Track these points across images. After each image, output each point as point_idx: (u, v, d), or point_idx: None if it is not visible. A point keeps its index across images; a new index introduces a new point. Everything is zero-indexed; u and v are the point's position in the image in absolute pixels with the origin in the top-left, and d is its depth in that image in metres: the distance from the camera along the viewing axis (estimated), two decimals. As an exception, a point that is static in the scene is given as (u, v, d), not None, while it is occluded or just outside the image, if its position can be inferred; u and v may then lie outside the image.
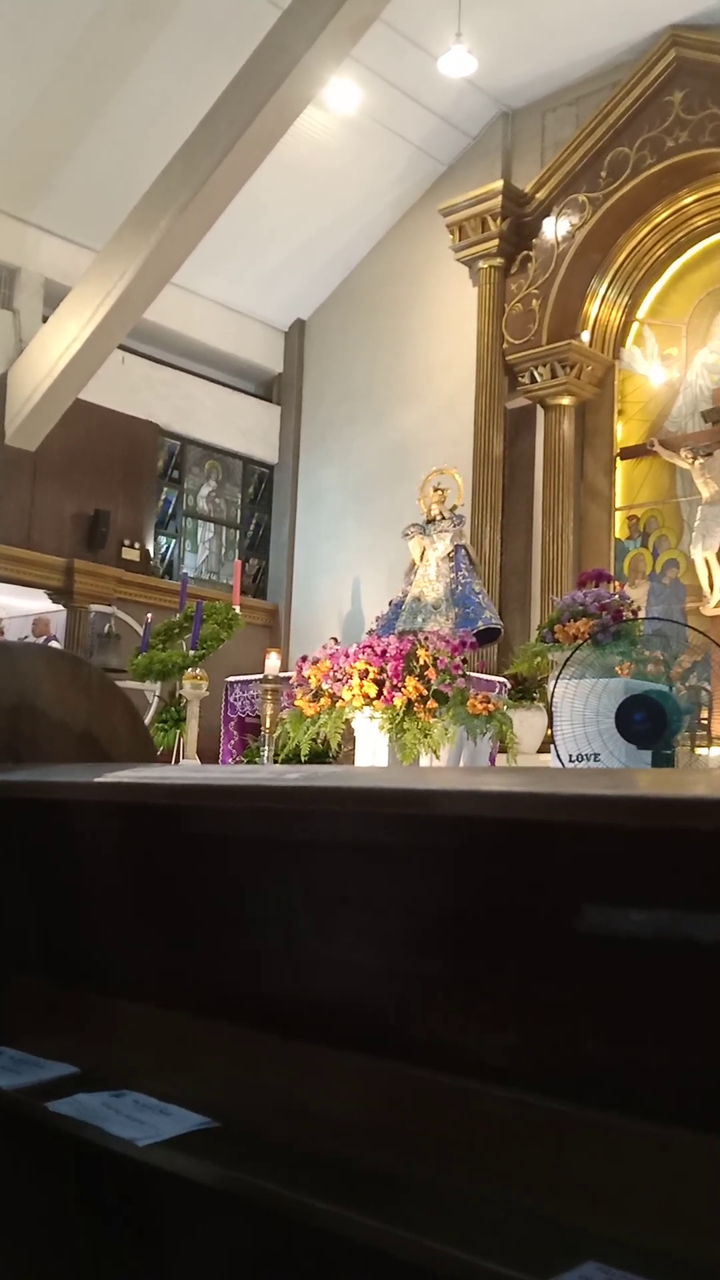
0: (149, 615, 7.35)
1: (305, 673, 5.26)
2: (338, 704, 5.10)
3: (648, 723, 3.52)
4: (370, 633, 7.99)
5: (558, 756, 4.44)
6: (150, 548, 10.53)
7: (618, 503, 9.16)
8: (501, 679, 7.36)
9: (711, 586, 8.27)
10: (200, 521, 11.29)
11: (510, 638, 8.42)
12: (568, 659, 4.11)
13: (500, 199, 9.30)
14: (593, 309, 9.20)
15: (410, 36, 8.82)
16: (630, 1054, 1.04)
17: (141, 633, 6.81)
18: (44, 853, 1.68)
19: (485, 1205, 1.07)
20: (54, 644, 9.47)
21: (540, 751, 7.78)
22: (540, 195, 9.29)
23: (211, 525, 11.38)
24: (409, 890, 1.20)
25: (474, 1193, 1.08)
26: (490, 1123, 1.11)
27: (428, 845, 1.16)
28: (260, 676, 5.73)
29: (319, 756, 5.48)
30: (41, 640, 9.58)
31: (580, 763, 3.96)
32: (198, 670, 6.07)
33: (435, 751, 5.03)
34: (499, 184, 9.36)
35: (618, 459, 9.17)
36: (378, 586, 9.94)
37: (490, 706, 5.17)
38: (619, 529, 9.12)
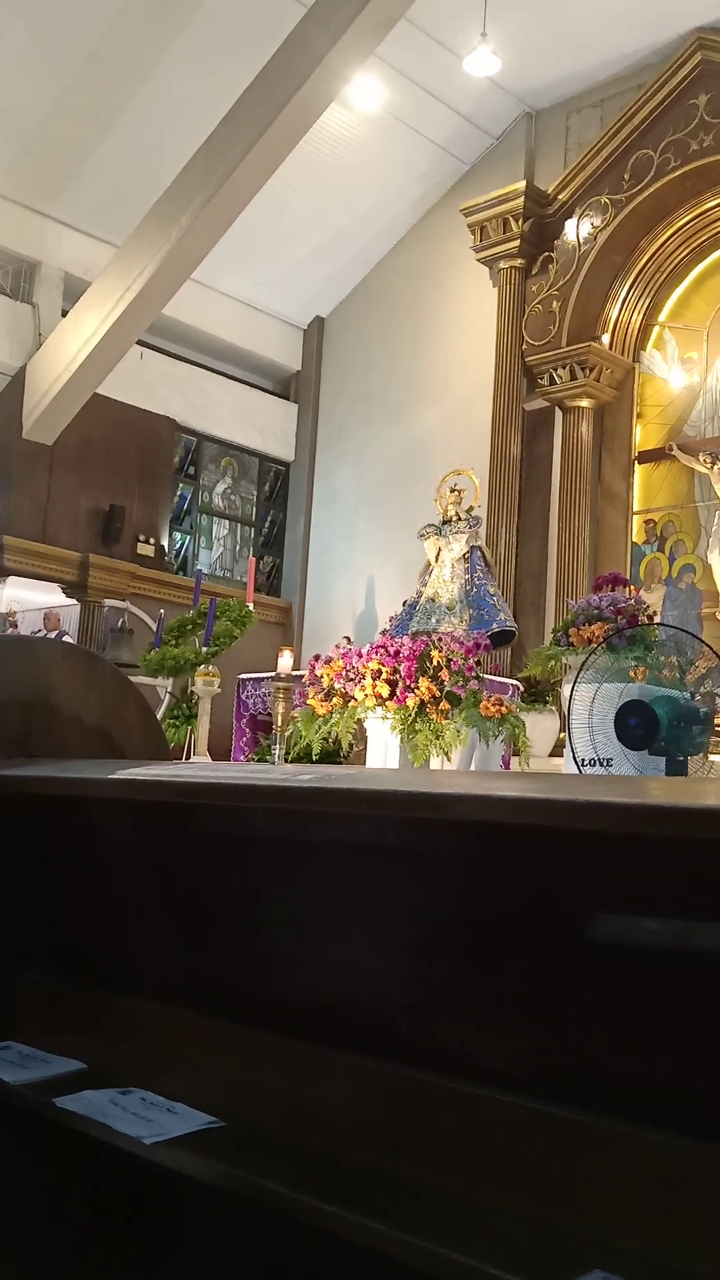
0: (162, 611, 7.37)
1: (318, 671, 5.26)
2: (350, 704, 5.10)
3: (641, 728, 3.52)
4: (384, 633, 7.98)
5: (571, 761, 4.43)
6: (165, 543, 10.54)
7: (635, 506, 9.12)
8: (515, 682, 7.34)
9: (728, 592, 8.24)
10: (215, 518, 11.30)
11: (524, 640, 8.40)
12: (584, 662, 4.09)
13: (522, 200, 9.28)
14: (613, 311, 9.17)
15: (435, 35, 8.81)
16: (639, 1063, 1.04)
17: (155, 628, 6.82)
18: (55, 848, 1.68)
19: (491, 1211, 1.06)
20: (65, 638, 9.50)
21: (553, 755, 7.75)
22: (563, 196, 9.26)
23: (226, 522, 11.39)
24: (419, 894, 1.20)
25: (480, 1199, 1.08)
26: (497, 1129, 1.11)
27: (439, 849, 1.16)
28: (273, 674, 5.73)
29: (330, 756, 5.48)
30: (52, 634, 9.61)
31: (593, 767, 3.95)
32: (210, 667, 6.09)
33: (447, 754, 5.02)
34: (521, 184, 9.33)
35: (636, 462, 9.14)
36: (392, 586, 9.93)
37: (503, 709, 5.15)
38: (636, 533, 9.09)
